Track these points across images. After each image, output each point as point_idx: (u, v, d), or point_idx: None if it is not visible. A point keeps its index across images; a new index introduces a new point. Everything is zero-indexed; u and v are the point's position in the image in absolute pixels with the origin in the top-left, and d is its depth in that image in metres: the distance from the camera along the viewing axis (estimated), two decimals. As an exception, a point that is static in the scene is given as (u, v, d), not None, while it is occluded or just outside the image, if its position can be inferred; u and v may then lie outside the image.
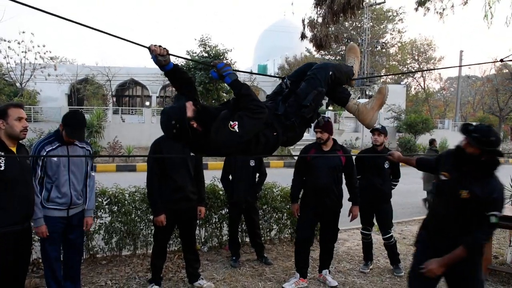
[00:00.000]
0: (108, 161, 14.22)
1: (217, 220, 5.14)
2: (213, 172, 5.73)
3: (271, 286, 4.16)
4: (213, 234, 5.17)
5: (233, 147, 2.10)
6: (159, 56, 2.07)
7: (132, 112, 24.99)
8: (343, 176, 4.25)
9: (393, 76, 35.68)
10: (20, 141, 3.06)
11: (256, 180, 4.88)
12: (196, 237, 4.43)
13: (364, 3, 15.12)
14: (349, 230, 6.23)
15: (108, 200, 4.54)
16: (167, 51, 2.09)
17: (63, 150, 3.31)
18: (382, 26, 34.31)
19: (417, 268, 2.71)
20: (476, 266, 2.69)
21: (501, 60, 3.49)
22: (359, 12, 20.98)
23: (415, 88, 40.49)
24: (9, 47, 21.15)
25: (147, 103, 33.00)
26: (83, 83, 26.29)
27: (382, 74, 30.41)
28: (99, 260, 4.56)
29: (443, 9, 7.80)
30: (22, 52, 21.45)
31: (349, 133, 24.27)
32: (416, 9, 8.10)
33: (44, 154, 3.22)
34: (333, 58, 32.75)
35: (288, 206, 5.29)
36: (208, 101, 19.05)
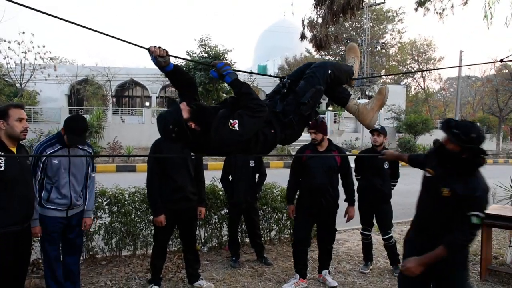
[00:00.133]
0: (108, 161, 14.22)
1: (217, 220, 5.14)
2: (213, 173, 5.73)
3: (271, 287, 4.16)
4: (213, 235, 5.17)
5: (233, 146, 2.10)
6: (159, 57, 2.06)
7: (132, 112, 24.99)
8: (340, 176, 4.25)
9: (393, 76, 35.71)
10: (20, 142, 3.06)
11: (256, 180, 4.88)
12: (196, 238, 4.43)
13: (363, 4, 15.13)
14: (349, 231, 6.23)
15: (108, 200, 4.54)
16: (166, 52, 2.08)
17: (65, 152, 3.32)
18: (381, 27, 34.34)
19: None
20: (457, 267, 2.58)
21: (501, 61, 3.50)
22: (359, 12, 21.00)
23: (415, 89, 40.49)
24: (9, 47, 21.16)
25: (147, 104, 33.01)
26: (83, 84, 26.29)
27: (382, 74, 30.43)
28: (99, 261, 4.56)
29: (443, 10, 7.81)
30: (22, 52, 21.46)
31: (349, 133, 24.29)
32: (416, 10, 8.11)
33: (47, 155, 3.23)
34: (333, 58, 32.76)
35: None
36: (208, 101, 19.06)
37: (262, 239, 5.11)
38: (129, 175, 12.06)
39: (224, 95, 19.86)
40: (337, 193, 4.19)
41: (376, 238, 5.33)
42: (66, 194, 3.32)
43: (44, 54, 22.26)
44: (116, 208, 4.56)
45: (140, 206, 4.65)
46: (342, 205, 4.26)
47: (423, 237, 2.66)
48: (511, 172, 7.76)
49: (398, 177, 4.78)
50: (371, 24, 30.85)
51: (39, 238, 3.49)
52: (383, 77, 35.64)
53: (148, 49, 2.07)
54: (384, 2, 27.64)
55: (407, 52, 37.75)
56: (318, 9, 7.81)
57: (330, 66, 2.52)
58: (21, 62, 21.96)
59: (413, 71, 36.63)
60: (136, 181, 5.02)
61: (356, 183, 4.82)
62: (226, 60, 19.75)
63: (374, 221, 4.75)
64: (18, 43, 21.07)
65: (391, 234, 4.61)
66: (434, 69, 27.52)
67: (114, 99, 29.33)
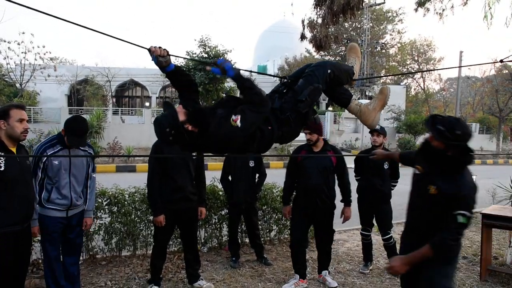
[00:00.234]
0: (108, 161, 14.22)
1: (216, 220, 5.14)
2: (213, 173, 5.73)
3: (271, 287, 4.16)
4: (212, 235, 5.17)
5: (233, 143, 2.09)
6: (160, 57, 2.06)
7: (132, 112, 25.00)
8: (336, 177, 4.24)
9: (392, 76, 35.74)
10: (20, 142, 3.06)
11: (256, 180, 4.88)
12: (197, 238, 4.43)
13: (363, 4, 15.14)
14: (348, 231, 6.23)
15: (108, 200, 4.54)
16: (167, 52, 2.08)
17: (65, 153, 3.32)
18: (381, 27, 34.38)
19: None
20: (435, 267, 2.49)
21: (501, 61, 3.49)
22: (359, 12, 21.01)
23: (415, 89, 40.49)
24: (9, 47, 21.19)
25: (147, 104, 33.02)
26: (83, 84, 26.31)
27: (382, 75, 30.49)
28: (99, 261, 4.56)
29: (443, 10, 7.82)
30: (22, 52, 21.50)
31: (349, 133, 24.31)
32: (416, 10, 8.12)
33: (48, 155, 3.23)
34: (333, 58, 32.78)
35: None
36: (208, 102, 19.06)
37: (262, 239, 5.11)
38: (129, 175, 12.05)
39: (224, 95, 19.84)
40: (333, 193, 4.18)
41: (376, 238, 5.33)
42: (66, 195, 3.33)
43: (44, 54, 22.32)
44: (116, 208, 4.56)
45: (140, 206, 4.65)
46: (340, 205, 4.26)
47: (413, 237, 2.61)
48: (511, 172, 7.76)
49: (398, 177, 4.78)
50: (371, 24, 30.88)
51: (39, 238, 3.49)
52: (383, 77, 35.68)
53: (149, 49, 2.07)
54: (384, 3, 27.68)
55: (407, 53, 37.77)
56: (318, 10, 7.82)
57: (329, 65, 2.52)
58: (21, 62, 21.99)
59: (413, 71, 36.61)
60: (136, 181, 5.02)
61: (355, 184, 4.83)
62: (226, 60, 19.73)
63: (374, 222, 4.75)
64: (18, 43, 21.11)
65: (391, 235, 4.61)
66: (434, 69, 27.70)
67: (114, 99, 29.35)
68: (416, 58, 38.24)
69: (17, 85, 22.98)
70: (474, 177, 2.32)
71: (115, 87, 28.40)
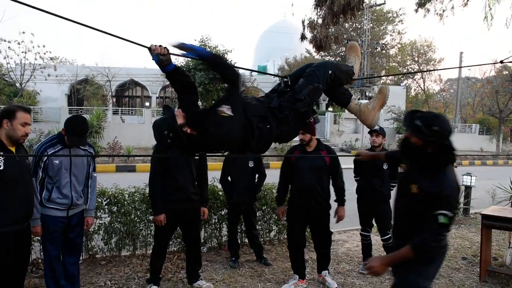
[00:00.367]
0: (108, 161, 14.21)
1: (216, 220, 5.14)
2: (212, 173, 5.72)
3: (270, 287, 4.16)
4: (212, 235, 5.17)
5: (233, 137, 2.07)
6: (160, 55, 2.06)
7: (132, 112, 24.97)
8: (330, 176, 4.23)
9: (393, 77, 35.71)
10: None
11: (256, 181, 4.88)
12: (200, 239, 4.42)
13: (364, 4, 15.15)
14: (348, 231, 6.23)
15: (108, 200, 4.54)
16: (167, 50, 2.08)
17: (66, 153, 3.33)
18: (382, 27, 34.37)
19: None
20: (415, 268, 2.39)
21: (501, 62, 3.50)
22: (359, 13, 21.00)
23: (415, 90, 40.49)
24: (9, 47, 21.19)
25: (147, 104, 33.02)
26: (83, 84, 26.31)
27: (382, 75, 30.50)
28: (99, 261, 4.56)
29: (443, 11, 7.83)
30: (22, 52, 21.50)
31: (348, 134, 24.30)
32: (416, 11, 8.13)
33: (48, 155, 3.24)
34: (333, 59, 32.78)
35: (287, 207, 5.29)
36: (208, 102, 19.04)
37: (262, 239, 5.11)
38: (128, 175, 12.06)
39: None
40: (328, 193, 4.15)
41: (376, 239, 5.33)
42: (67, 194, 3.33)
43: (44, 54, 22.33)
44: (115, 208, 4.56)
45: (140, 206, 4.65)
46: (335, 206, 4.25)
47: (399, 237, 2.55)
48: (511, 173, 7.77)
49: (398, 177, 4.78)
50: (371, 25, 30.89)
51: (39, 238, 3.49)
52: (383, 77, 35.68)
53: (149, 48, 2.06)
54: (384, 3, 27.70)
55: (407, 53, 37.77)
56: (318, 10, 7.82)
57: (331, 66, 2.51)
58: (21, 62, 21.99)
59: (413, 71, 36.63)
60: (135, 181, 5.01)
61: (355, 184, 4.84)
62: (227, 60, 19.73)
63: (374, 222, 4.75)
64: (18, 43, 21.11)
65: (390, 235, 4.61)
66: (434, 69, 27.69)
67: (114, 99, 29.35)
68: (416, 59, 38.24)
69: (17, 84, 22.99)
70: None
71: (115, 87, 28.40)
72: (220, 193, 5.05)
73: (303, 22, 8.48)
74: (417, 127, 2.25)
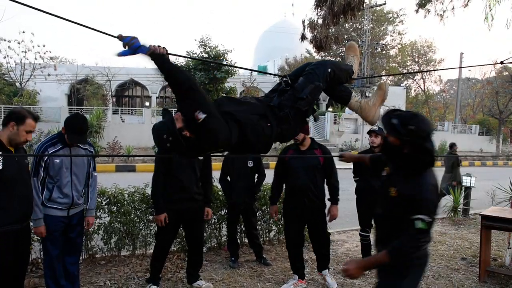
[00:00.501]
0: (108, 161, 14.22)
1: (216, 220, 5.14)
2: (212, 173, 5.73)
3: (270, 287, 4.16)
4: (212, 235, 5.17)
5: (223, 135, 2.01)
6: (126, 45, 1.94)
7: (131, 112, 24.98)
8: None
9: (393, 77, 35.70)
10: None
11: (255, 180, 4.88)
12: (203, 239, 4.43)
13: (364, 5, 15.16)
14: (348, 232, 6.24)
15: (107, 200, 4.54)
16: (166, 50, 2.07)
17: (66, 152, 3.33)
18: (382, 28, 34.37)
19: None
20: (393, 273, 2.29)
21: (501, 62, 3.50)
22: (359, 13, 21.00)
23: (415, 90, 40.52)
24: (9, 47, 21.22)
25: (147, 104, 33.02)
26: (83, 83, 26.29)
27: (382, 74, 30.51)
28: (98, 260, 4.56)
29: (444, 11, 7.84)
30: (22, 52, 21.52)
31: (348, 134, 24.30)
32: (417, 11, 8.14)
33: (48, 155, 3.24)
34: (333, 59, 32.76)
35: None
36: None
37: (261, 239, 5.11)
38: (128, 175, 12.07)
39: (224, 95, 19.84)
40: (322, 192, 4.12)
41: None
42: (67, 193, 3.33)
43: (44, 53, 22.35)
44: (115, 208, 4.56)
45: (140, 206, 4.65)
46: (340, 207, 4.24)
47: (378, 242, 2.47)
48: (510, 174, 7.77)
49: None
50: (371, 25, 30.86)
51: (39, 238, 3.49)
52: (383, 78, 35.65)
53: (148, 47, 2.05)
54: (384, 4, 27.65)
55: (407, 54, 37.78)
56: (319, 10, 7.83)
57: (330, 64, 2.51)
58: (21, 62, 22.00)
59: (413, 71, 36.62)
60: (135, 181, 5.02)
61: (354, 184, 4.83)
62: (226, 60, 19.76)
63: (373, 222, 4.75)
64: (18, 43, 21.13)
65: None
66: (435, 70, 27.75)
67: (114, 99, 29.34)
68: (416, 60, 38.26)
69: (17, 84, 23.00)
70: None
71: (115, 87, 28.38)
72: (220, 193, 5.05)
73: (303, 22, 8.50)
74: (393, 126, 2.17)
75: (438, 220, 7.41)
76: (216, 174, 5.16)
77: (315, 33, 8.33)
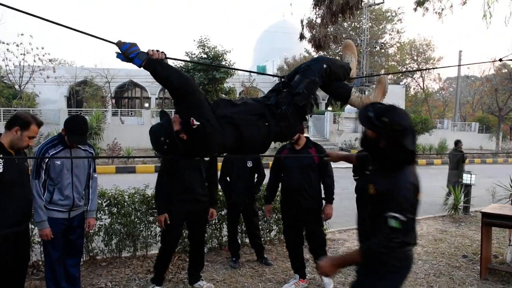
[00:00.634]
0: (108, 162, 14.21)
1: (216, 221, 5.14)
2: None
3: (271, 287, 4.16)
4: (212, 235, 5.17)
5: (217, 139, 2.01)
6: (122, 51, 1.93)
7: (131, 113, 24.98)
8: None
9: (392, 76, 35.68)
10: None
11: (255, 181, 4.88)
12: (205, 240, 4.43)
13: (363, 4, 15.16)
14: (348, 231, 6.24)
15: (108, 201, 4.54)
16: (165, 55, 2.06)
17: (67, 153, 3.34)
18: (381, 27, 34.35)
19: None
20: (371, 274, 2.20)
21: (500, 60, 3.50)
22: (358, 12, 21.01)
23: (414, 89, 40.52)
24: (7, 49, 21.15)
25: (146, 105, 32.98)
26: (82, 85, 26.27)
27: (381, 73, 30.53)
28: (99, 262, 4.56)
29: (442, 9, 7.85)
30: (21, 54, 21.46)
31: (348, 133, 24.28)
32: (415, 9, 8.14)
33: (48, 157, 3.24)
34: (332, 57, 32.72)
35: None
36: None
37: (262, 239, 5.11)
38: (128, 176, 12.06)
39: (224, 95, 19.84)
40: (316, 191, 4.10)
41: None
42: (68, 195, 3.34)
43: (43, 55, 22.28)
44: (115, 209, 4.56)
45: (140, 207, 4.65)
46: (337, 206, 4.21)
47: (360, 240, 2.42)
48: (510, 171, 7.77)
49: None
50: (370, 24, 30.85)
51: (40, 240, 3.49)
52: (382, 76, 35.61)
53: (147, 53, 2.04)
54: (383, 2, 27.63)
55: (406, 52, 37.78)
56: (317, 9, 7.84)
57: (325, 60, 2.51)
58: (20, 64, 21.95)
59: (412, 70, 36.66)
60: (135, 182, 5.02)
61: (354, 183, 4.82)
62: (225, 60, 19.75)
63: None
64: (17, 45, 21.07)
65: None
66: (434, 68, 27.58)
67: (113, 101, 29.31)
68: (415, 58, 38.26)
69: (16, 86, 22.96)
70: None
71: (114, 88, 28.37)
72: (220, 193, 5.05)
73: (302, 21, 8.51)
74: (369, 119, 2.11)
75: (439, 218, 7.42)
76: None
77: (313, 33, 8.34)
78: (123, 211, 4.55)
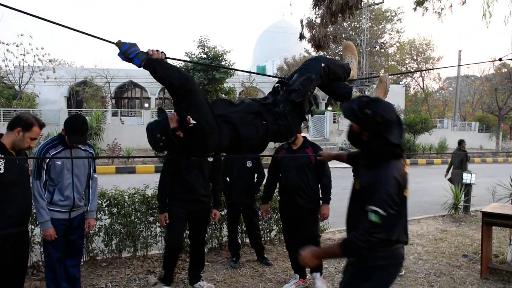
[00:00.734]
0: (108, 163, 14.22)
1: (216, 221, 5.13)
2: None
3: (272, 287, 4.16)
4: (213, 235, 5.17)
5: (211, 141, 2.00)
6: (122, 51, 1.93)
7: (131, 114, 24.99)
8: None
9: (392, 76, 35.69)
10: None
11: (255, 181, 4.88)
12: (205, 241, 4.43)
13: (362, 3, 15.16)
14: (349, 230, 6.22)
15: (108, 202, 4.54)
16: (165, 55, 2.06)
17: (67, 153, 3.34)
18: (380, 26, 34.38)
19: None
20: (359, 274, 2.17)
21: (500, 59, 3.51)
22: (358, 12, 21.01)
23: (414, 88, 40.56)
24: (7, 49, 21.16)
25: (146, 105, 32.99)
26: (82, 86, 26.27)
27: (381, 73, 30.55)
28: (99, 262, 4.55)
29: (442, 9, 7.85)
30: (21, 54, 21.47)
31: (348, 133, 24.25)
32: (415, 9, 8.14)
33: (48, 157, 3.24)
34: (331, 57, 32.75)
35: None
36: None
37: (262, 239, 5.11)
38: (128, 176, 12.06)
39: (223, 95, 19.84)
40: (313, 191, 4.07)
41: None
42: (69, 195, 3.34)
43: (43, 56, 22.28)
44: (116, 209, 4.56)
45: (140, 207, 4.64)
46: (334, 205, 4.17)
47: (347, 234, 2.36)
48: (510, 170, 7.77)
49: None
50: (369, 24, 30.88)
51: (40, 241, 3.49)
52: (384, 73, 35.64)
53: (146, 53, 2.04)
54: (382, 2, 27.65)
55: (406, 52, 37.82)
56: (317, 9, 7.84)
57: (323, 59, 2.50)
58: (19, 64, 21.96)
59: (412, 70, 36.65)
60: (135, 182, 5.02)
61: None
62: (225, 60, 19.75)
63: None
64: (17, 45, 21.07)
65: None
66: (433, 68, 27.59)
67: (113, 101, 29.32)
68: (415, 58, 38.29)
69: (16, 87, 22.96)
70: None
71: (114, 89, 28.38)
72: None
73: (301, 21, 8.51)
74: (352, 111, 2.09)
75: (439, 217, 7.42)
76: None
77: (313, 32, 8.34)
78: (123, 212, 4.55)
